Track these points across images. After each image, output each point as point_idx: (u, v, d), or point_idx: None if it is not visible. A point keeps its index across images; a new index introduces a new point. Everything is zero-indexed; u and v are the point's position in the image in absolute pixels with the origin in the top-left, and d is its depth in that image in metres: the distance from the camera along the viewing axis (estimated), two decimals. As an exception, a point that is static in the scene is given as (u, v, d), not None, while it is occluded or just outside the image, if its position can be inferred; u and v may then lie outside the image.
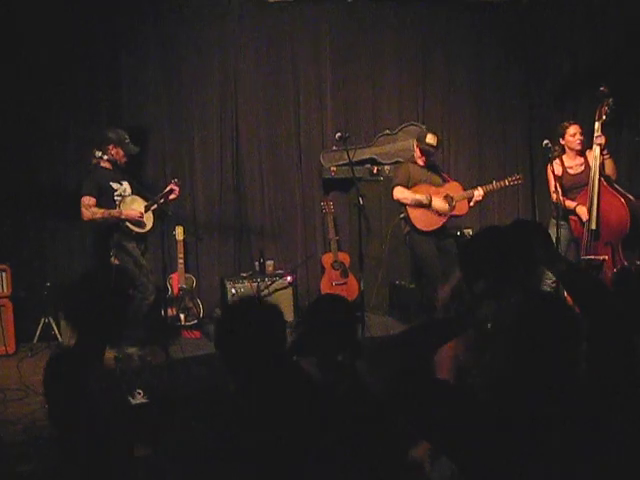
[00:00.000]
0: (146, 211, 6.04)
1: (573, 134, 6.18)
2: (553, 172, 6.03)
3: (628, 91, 6.95)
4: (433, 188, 6.47)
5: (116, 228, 5.90)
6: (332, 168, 7.57)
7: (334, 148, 7.58)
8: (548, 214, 7.98)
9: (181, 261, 6.93)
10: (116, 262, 5.93)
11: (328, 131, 7.75)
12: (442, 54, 8.17)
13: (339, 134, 6.26)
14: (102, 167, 6.00)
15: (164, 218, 6.17)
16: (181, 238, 6.93)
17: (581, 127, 6.22)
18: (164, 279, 6.39)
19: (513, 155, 8.46)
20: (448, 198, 6.44)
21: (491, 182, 6.51)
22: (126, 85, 7.24)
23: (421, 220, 6.42)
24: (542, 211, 8.24)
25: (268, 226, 7.79)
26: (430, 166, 6.58)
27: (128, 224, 5.94)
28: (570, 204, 6.06)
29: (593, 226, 5.86)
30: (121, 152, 6.02)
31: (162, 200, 6.02)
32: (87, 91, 7.04)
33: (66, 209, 6.40)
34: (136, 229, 6.00)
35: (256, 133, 7.71)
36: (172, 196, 6.10)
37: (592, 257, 5.87)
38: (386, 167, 7.57)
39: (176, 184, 6.12)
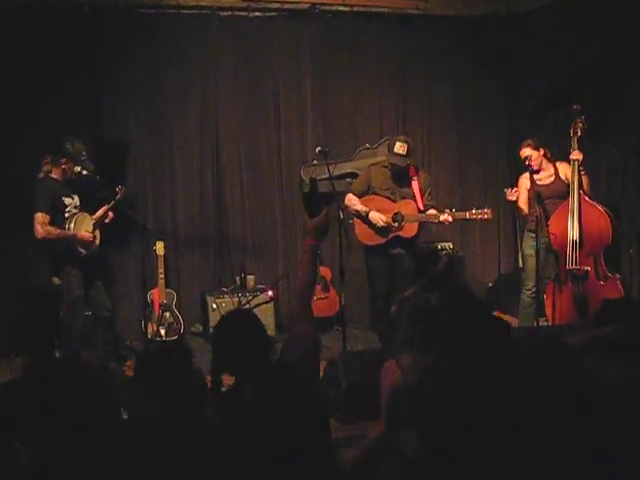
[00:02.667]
0: (94, 229, 5.91)
1: (523, 159, 6.29)
2: (531, 185, 6.09)
3: (606, 105, 7.00)
4: (387, 202, 6.21)
5: (61, 252, 5.75)
6: (308, 180, 7.55)
7: (314, 162, 7.57)
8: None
9: (162, 276, 6.89)
10: (57, 282, 5.80)
11: (308, 145, 7.74)
12: (422, 68, 8.22)
13: (319, 148, 6.22)
14: (52, 178, 5.81)
15: (144, 233, 6.15)
16: (162, 253, 6.90)
17: (533, 146, 6.27)
18: (144, 294, 6.36)
19: (493, 168, 8.51)
20: (397, 216, 6.15)
21: (464, 211, 6.24)
22: (106, 99, 7.20)
23: (363, 233, 6.25)
24: (522, 224, 8.31)
25: (249, 240, 7.77)
26: (398, 176, 6.25)
27: (78, 247, 5.79)
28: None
29: (575, 236, 5.90)
30: (73, 167, 5.80)
31: (109, 212, 5.97)
32: (67, 105, 6.97)
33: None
34: (84, 251, 5.83)
35: (236, 147, 7.70)
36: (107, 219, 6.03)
37: (576, 267, 5.91)
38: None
39: (120, 190, 6.04)
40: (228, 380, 2.71)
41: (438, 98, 8.32)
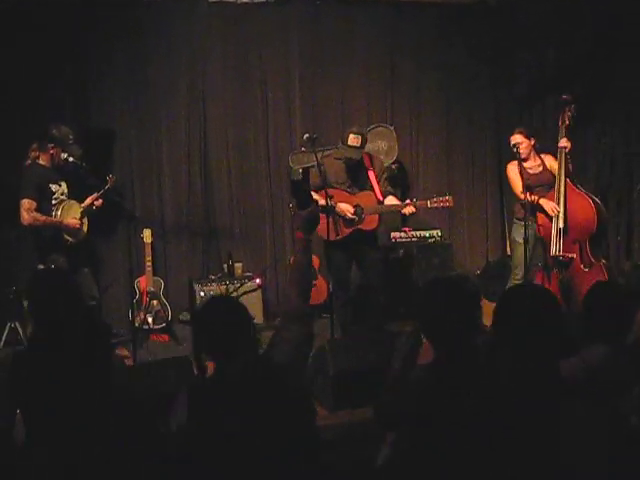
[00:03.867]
0: (82, 217, 5.87)
1: (512, 145, 6.28)
2: (520, 172, 6.09)
3: (594, 94, 7.02)
4: (345, 195, 6.07)
5: (48, 239, 5.69)
6: (300, 170, 7.55)
7: (302, 149, 7.56)
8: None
9: (149, 264, 6.86)
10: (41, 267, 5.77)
11: (296, 133, 7.73)
12: (410, 56, 8.20)
13: (307, 135, 6.13)
14: (39, 165, 5.74)
15: (131, 221, 6.12)
16: (149, 241, 6.87)
17: (525, 134, 6.27)
18: (131, 282, 6.34)
19: (481, 157, 8.53)
20: (357, 209, 6.03)
21: (425, 200, 6.16)
22: (93, 87, 7.14)
23: (323, 227, 5.80)
24: (510, 213, 8.33)
25: (237, 228, 7.75)
26: (353, 168, 6.09)
27: (65, 234, 5.74)
28: (533, 198, 6.10)
29: (561, 224, 5.92)
30: (60, 153, 5.74)
31: (99, 200, 5.94)
32: (53, 94, 6.91)
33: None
34: (71, 239, 5.78)
35: (224, 134, 7.67)
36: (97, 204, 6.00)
37: (561, 255, 5.93)
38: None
39: (111, 179, 6.00)
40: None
41: (427, 87, 8.31)
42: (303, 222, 3.20)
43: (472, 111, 8.45)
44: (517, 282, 6.27)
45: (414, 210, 6.07)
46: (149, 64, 7.34)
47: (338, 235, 6.07)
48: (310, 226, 3.26)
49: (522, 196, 5.99)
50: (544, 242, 6.13)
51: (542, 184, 6.16)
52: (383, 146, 7.77)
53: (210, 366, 2.65)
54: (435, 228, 7.80)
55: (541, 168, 6.25)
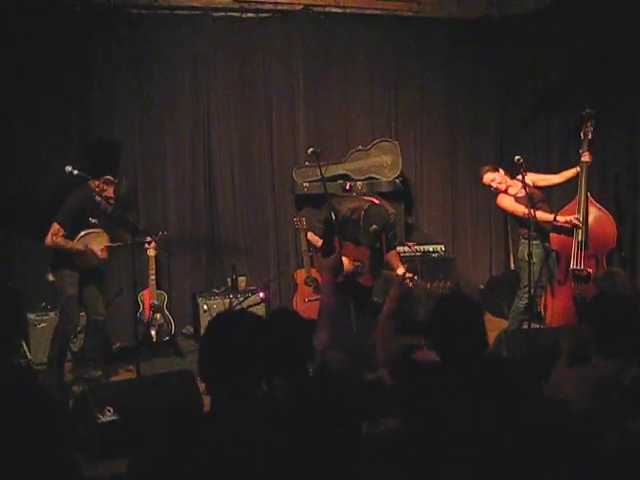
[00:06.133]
0: (107, 249, 5.94)
1: (487, 183, 6.38)
2: (524, 195, 6.09)
3: (597, 107, 7.02)
4: (352, 248, 5.86)
5: (64, 253, 5.78)
6: (305, 184, 7.55)
7: (307, 164, 7.57)
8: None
9: (153, 277, 6.85)
10: (51, 279, 5.96)
11: (300, 147, 7.74)
12: (414, 70, 8.22)
13: (311, 149, 6.09)
14: (92, 196, 5.77)
15: (135, 233, 6.12)
16: (153, 254, 6.85)
17: (492, 169, 6.38)
18: (135, 295, 6.33)
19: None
20: (358, 268, 5.87)
21: (426, 284, 5.71)
22: (97, 98, 7.17)
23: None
24: (514, 227, 8.32)
25: (241, 242, 7.75)
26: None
27: (77, 260, 5.81)
28: (546, 217, 6.10)
29: (581, 238, 5.94)
30: (111, 190, 5.74)
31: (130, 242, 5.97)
32: (58, 103, 6.97)
33: (35, 223, 6.26)
34: (79, 263, 5.83)
35: (228, 148, 7.69)
36: (148, 246, 6.15)
37: (580, 268, 5.93)
38: (358, 183, 7.58)
39: (160, 238, 6.07)
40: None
41: (430, 100, 8.33)
42: (331, 268, 3.30)
43: (476, 125, 8.46)
44: (525, 302, 6.24)
45: (410, 287, 5.91)
46: (154, 77, 7.36)
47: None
48: (337, 271, 3.37)
49: (527, 212, 5.97)
50: (559, 255, 6.13)
51: (536, 202, 6.16)
52: (387, 160, 7.77)
53: None
54: (439, 243, 7.79)
55: (524, 191, 6.14)
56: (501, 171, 6.39)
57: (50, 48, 6.86)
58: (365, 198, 6.01)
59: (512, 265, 8.45)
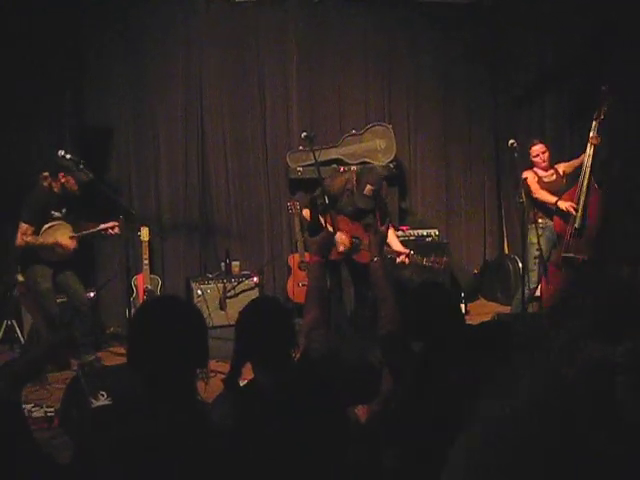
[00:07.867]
0: (76, 238, 5.93)
1: (535, 155, 6.36)
2: (539, 179, 6.15)
3: (590, 92, 7.01)
4: (348, 222, 6.00)
5: (30, 252, 5.78)
6: (298, 168, 7.55)
7: (300, 148, 7.55)
8: (514, 215, 8.08)
9: (146, 262, 6.84)
10: (21, 279, 5.98)
11: (294, 131, 7.70)
12: (408, 54, 8.19)
13: (305, 133, 6.06)
14: (47, 192, 5.82)
15: (129, 219, 6.11)
16: (146, 239, 6.85)
17: (545, 145, 6.39)
18: (129, 280, 6.33)
19: (479, 154, 8.51)
20: (355, 243, 5.96)
21: (422, 259, 6.02)
22: (89, 84, 7.15)
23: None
24: (508, 212, 8.34)
25: (234, 227, 7.74)
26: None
27: (46, 254, 5.80)
28: (550, 198, 6.12)
29: (577, 224, 5.91)
30: (72, 180, 5.77)
31: (94, 231, 5.97)
32: (50, 90, 6.92)
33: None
34: (47, 257, 5.82)
35: (221, 133, 7.67)
36: (112, 232, 6.01)
37: (572, 255, 5.93)
38: (352, 167, 7.57)
39: (120, 222, 6.01)
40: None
41: (424, 85, 8.30)
42: (319, 247, 3.21)
43: (470, 110, 8.44)
44: (532, 289, 6.25)
45: (407, 262, 5.98)
46: (146, 62, 7.34)
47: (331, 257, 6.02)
48: (326, 250, 3.28)
49: (543, 198, 6.11)
50: (559, 238, 6.18)
51: (556, 191, 6.19)
52: (381, 145, 7.76)
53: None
54: (432, 227, 7.79)
55: (554, 177, 6.27)
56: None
57: (41, 34, 6.79)
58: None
59: (506, 250, 8.46)
